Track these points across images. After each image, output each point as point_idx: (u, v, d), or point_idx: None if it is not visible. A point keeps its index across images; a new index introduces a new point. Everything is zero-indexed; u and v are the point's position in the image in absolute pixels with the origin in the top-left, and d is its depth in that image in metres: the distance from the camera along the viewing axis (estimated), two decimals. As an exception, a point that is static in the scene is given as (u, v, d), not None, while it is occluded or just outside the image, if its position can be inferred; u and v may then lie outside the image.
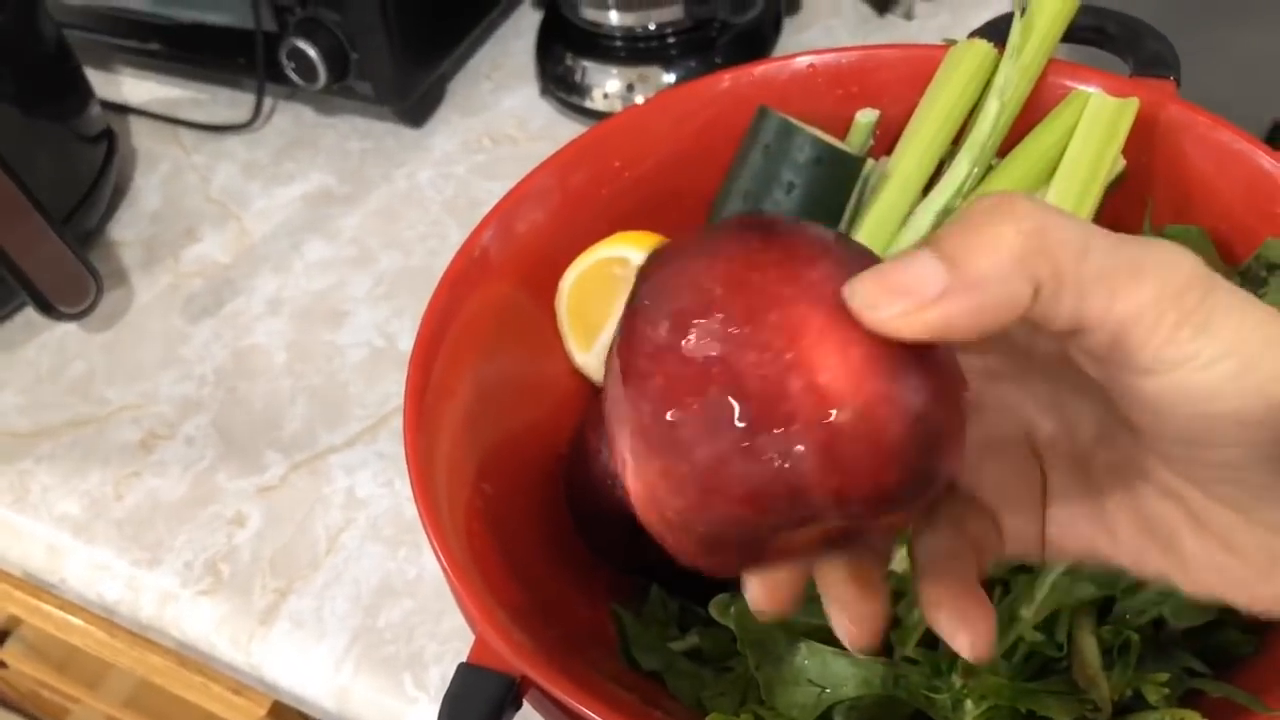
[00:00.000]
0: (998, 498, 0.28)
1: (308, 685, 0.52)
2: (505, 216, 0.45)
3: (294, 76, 0.72)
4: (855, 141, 0.51)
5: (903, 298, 0.22)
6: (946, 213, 0.46)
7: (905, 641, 0.34)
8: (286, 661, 0.52)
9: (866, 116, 0.50)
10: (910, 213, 0.48)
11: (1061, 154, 0.46)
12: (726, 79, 0.51)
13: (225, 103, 0.81)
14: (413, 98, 0.75)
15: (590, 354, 0.49)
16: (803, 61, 0.52)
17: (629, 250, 0.48)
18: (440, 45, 0.76)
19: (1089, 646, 0.32)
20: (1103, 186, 0.45)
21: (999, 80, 0.48)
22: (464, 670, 0.33)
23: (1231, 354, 0.22)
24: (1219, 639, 0.34)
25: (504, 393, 0.45)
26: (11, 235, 0.59)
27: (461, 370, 0.42)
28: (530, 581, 0.39)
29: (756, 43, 0.75)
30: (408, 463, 0.39)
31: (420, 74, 0.75)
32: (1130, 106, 0.45)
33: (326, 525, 0.57)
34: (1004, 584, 0.35)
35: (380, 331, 0.65)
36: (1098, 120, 0.45)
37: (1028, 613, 0.32)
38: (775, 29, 0.76)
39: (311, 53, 0.70)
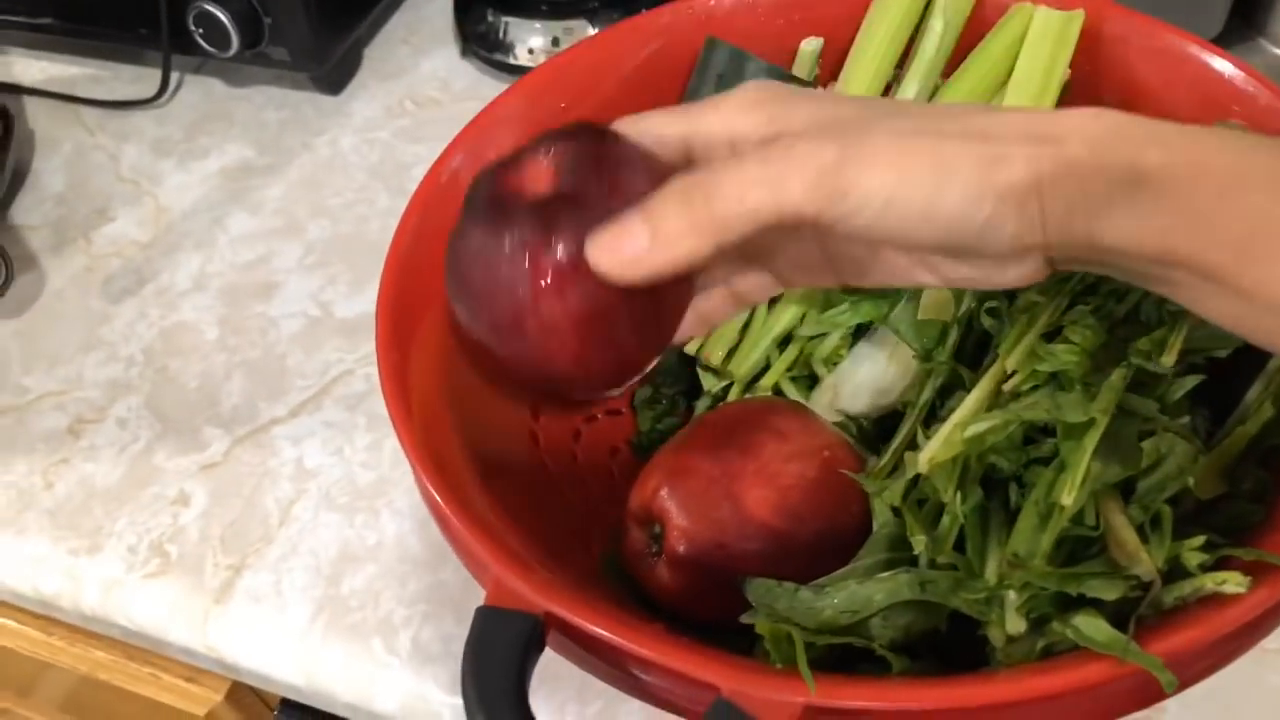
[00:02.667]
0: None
1: (272, 662, 0.50)
2: (472, 143, 0.44)
3: (204, 44, 0.69)
4: (801, 71, 0.50)
5: (618, 254, 0.32)
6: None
7: (940, 549, 0.34)
8: (247, 639, 0.50)
9: (811, 45, 0.50)
10: None
11: (1008, 69, 0.46)
12: (666, 14, 0.51)
13: (129, 79, 0.77)
14: (330, 62, 0.72)
15: None
16: None
17: None
18: (356, 8, 0.74)
19: (1123, 524, 0.33)
20: (1054, 101, 0.45)
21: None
22: (483, 613, 0.31)
23: (878, 199, 0.30)
24: (1232, 510, 0.35)
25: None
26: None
27: (434, 307, 0.40)
28: (528, 522, 0.37)
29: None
30: (391, 414, 0.37)
31: (337, 38, 0.72)
32: (1076, 19, 0.45)
33: (277, 498, 0.54)
34: (1018, 481, 0.35)
35: (315, 300, 0.63)
36: (1045, 34, 0.45)
37: (1068, 499, 0.32)
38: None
39: (222, 17, 0.67)
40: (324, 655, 0.49)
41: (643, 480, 0.40)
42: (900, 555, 0.36)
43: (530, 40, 0.71)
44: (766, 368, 0.47)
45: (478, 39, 0.73)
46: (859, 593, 0.34)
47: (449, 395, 0.40)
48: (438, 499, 0.34)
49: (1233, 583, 0.31)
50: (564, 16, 0.71)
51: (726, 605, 0.37)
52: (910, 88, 0.48)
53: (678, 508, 0.38)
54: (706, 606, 0.38)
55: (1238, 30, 0.62)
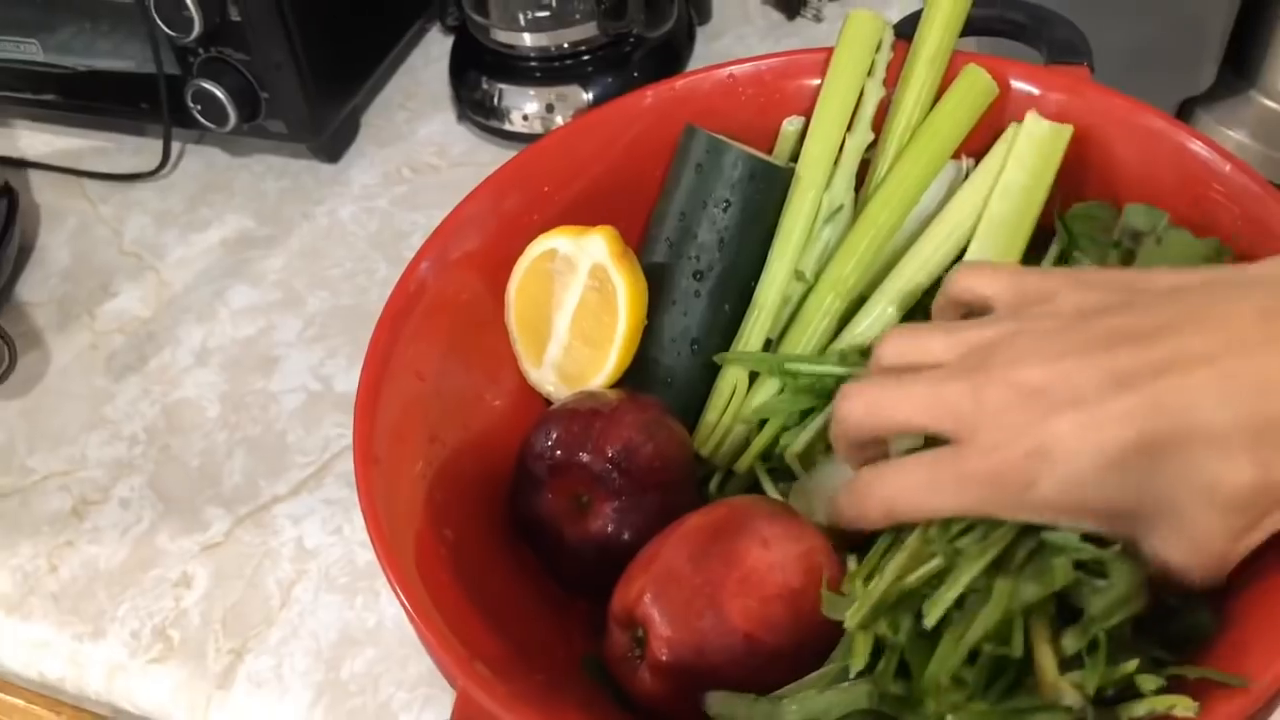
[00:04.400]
0: None
1: (273, 747, 0.50)
2: (441, 245, 0.45)
3: (202, 120, 0.70)
4: (784, 151, 0.51)
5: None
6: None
7: (884, 681, 0.34)
8: (248, 725, 0.51)
9: (793, 125, 0.51)
10: (817, 211, 0.49)
11: (958, 132, 0.47)
12: (649, 95, 0.51)
13: (131, 150, 0.79)
14: (327, 133, 0.73)
15: (542, 368, 0.49)
16: (723, 73, 0.52)
17: (555, 241, 0.48)
18: (351, 77, 0.75)
19: (1043, 655, 0.33)
20: (1038, 211, 0.46)
21: (880, 62, 0.49)
22: None
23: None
24: (1190, 620, 0.35)
25: (458, 424, 0.44)
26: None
27: (410, 413, 0.41)
28: (505, 627, 0.38)
29: (671, 55, 0.75)
30: (366, 522, 0.38)
31: (334, 108, 0.73)
32: (1065, 132, 0.46)
33: (278, 579, 0.55)
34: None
35: (315, 374, 0.64)
36: (1032, 143, 0.46)
37: (975, 631, 0.32)
38: (689, 39, 0.77)
39: (219, 94, 0.68)
40: (324, 741, 0.49)
41: (626, 582, 0.41)
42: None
43: (525, 106, 0.72)
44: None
45: (473, 105, 0.73)
46: (817, 702, 0.34)
47: (431, 489, 0.40)
48: (407, 605, 0.35)
49: (1181, 707, 0.31)
50: (556, 83, 0.71)
51: (703, 713, 0.37)
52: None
53: (660, 615, 0.39)
54: (687, 712, 0.39)
55: (1229, 83, 0.62)
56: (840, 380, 0.44)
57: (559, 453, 0.43)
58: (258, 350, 0.65)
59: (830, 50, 0.51)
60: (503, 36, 0.71)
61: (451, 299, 0.45)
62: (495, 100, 0.72)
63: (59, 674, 0.54)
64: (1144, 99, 0.47)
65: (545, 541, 0.44)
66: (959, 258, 0.46)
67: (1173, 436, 0.30)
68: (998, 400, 0.33)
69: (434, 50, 0.82)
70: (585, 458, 0.43)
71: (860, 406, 0.36)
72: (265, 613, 0.54)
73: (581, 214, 0.48)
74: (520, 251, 0.48)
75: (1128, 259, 0.42)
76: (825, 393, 0.45)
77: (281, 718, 0.50)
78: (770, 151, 0.51)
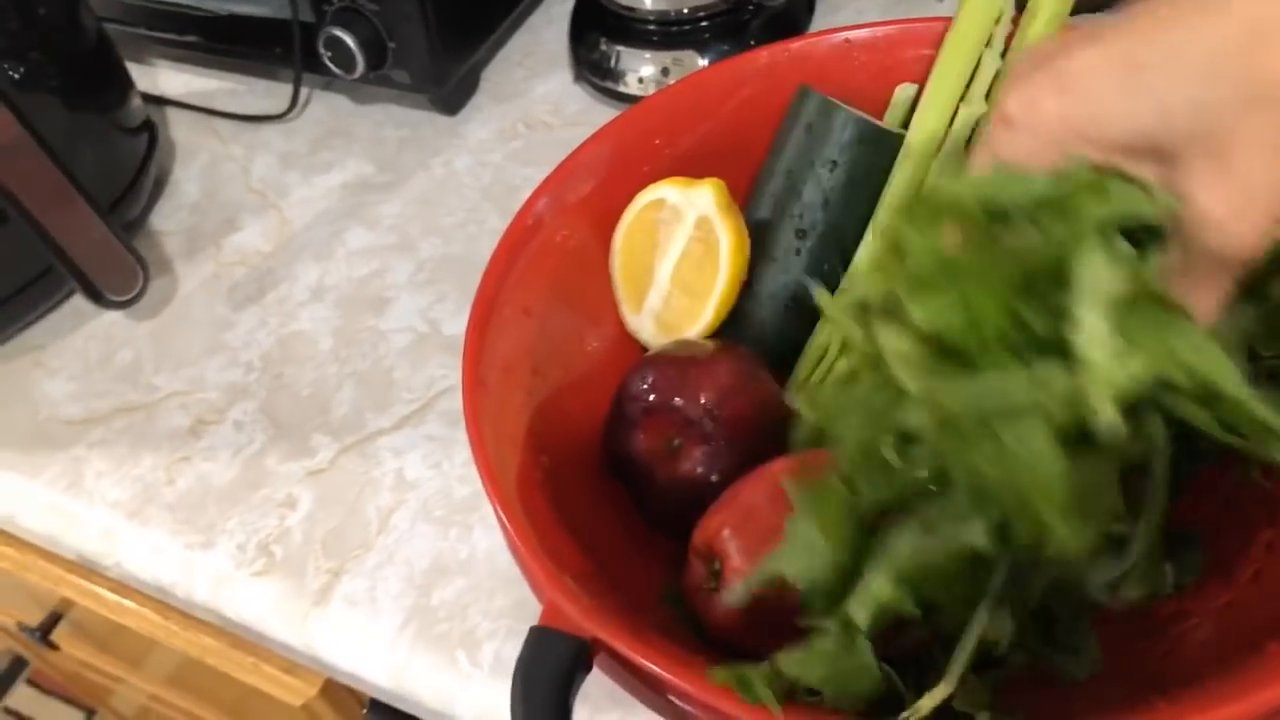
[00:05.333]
0: None
1: (363, 664, 0.53)
2: (557, 186, 0.46)
3: (332, 66, 0.73)
4: (894, 117, 0.51)
5: None
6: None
7: None
8: (342, 641, 0.53)
9: (905, 92, 0.51)
10: (923, 180, 0.49)
11: None
12: (764, 55, 0.52)
13: (261, 93, 0.82)
14: (449, 85, 0.75)
15: (640, 314, 0.50)
16: (839, 37, 0.52)
17: (664, 191, 0.49)
18: (475, 33, 0.77)
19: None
20: None
21: (999, 34, 0.48)
22: (536, 633, 0.33)
23: None
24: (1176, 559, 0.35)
25: (559, 362, 0.46)
26: (61, 224, 0.60)
27: (517, 340, 0.43)
28: (592, 549, 0.39)
29: (789, 25, 0.75)
30: (469, 435, 0.40)
31: (456, 61, 0.75)
32: None
33: (377, 507, 0.57)
34: None
35: (423, 317, 0.66)
36: None
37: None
38: (809, 11, 0.77)
39: (350, 42, 0.71)
40: (411, 662, 0.52)
41: (709, 517, 0.42)
42: None
43: (640, 69, 0.73)
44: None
45: (590, 66, 0.75)
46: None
47: (531, 418, 0.42)
48: (505, 519, 0.36)
49: None
50: (673, 47, 0.72)
51: (776, 644, 0.38)
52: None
53: (737, 550, 0.40)
54: (757, 643, 0.40)
55: None
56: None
57: (654, 396, 0.45)
58: (370, 290, 0.68)
59: (948, 20, 0.51)
60: (625, 0, 0.72)
61: (561, 241, 0.47)
62: (612, 62, 0.73)
63: (171, 579, 0.57)
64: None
65: (636, 479, 0.46)
66: None
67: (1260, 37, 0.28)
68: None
69: (555, 10, 0.84)
70: (679, 402, 0.45)
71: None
72: (364, 537, 0.56)
73: (691, 169, 0.49)
74: (628, 201, 0.49)
75: None
76: None
77: (373, 636, 0.53)
78: (881, 118, 0.51)
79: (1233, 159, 0.29)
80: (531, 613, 0.51)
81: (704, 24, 0.72)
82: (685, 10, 0.72)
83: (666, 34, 0.73)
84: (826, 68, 0.50)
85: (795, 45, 0.51)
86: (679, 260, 0.48)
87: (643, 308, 0.50)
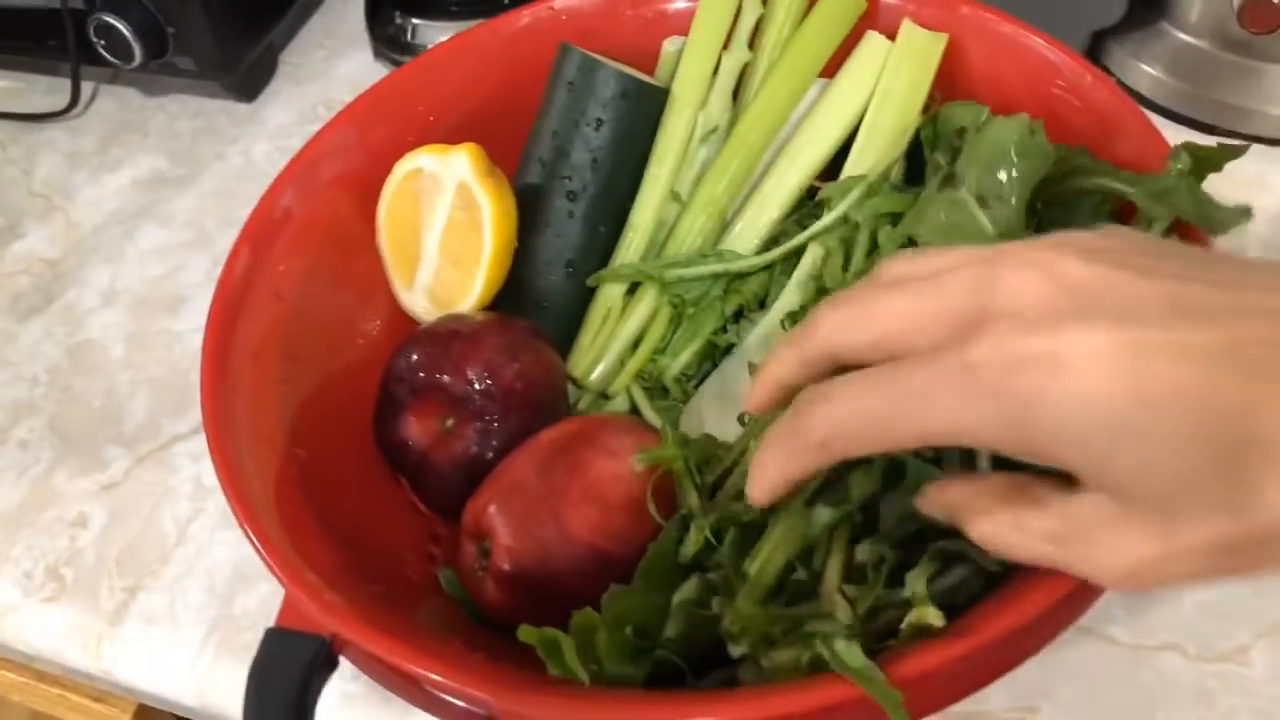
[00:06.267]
0: None
1: (167, 684, 0.50)
2: (307, 166, 0.44)
3: (107, 55, 0.68)
4: (664, 72, 0.50)
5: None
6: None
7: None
8: (140, 661, 0.50)
9: (673, 45, 0.50)
10: (692, 132, 0.48)
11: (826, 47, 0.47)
12: (525, 15, 0.50)
13: (43, 90, 0.77)
14: (239, 71, 0.72)
15: (413, 291, 0.48)
16: None
17: (421, 160, 0.47)
18: (265, 14, 0.73)
19: (830, 568, 0.33)
20: (916, 119, 0.45)
21: None
22: (270, 635, 0.32)
23: None
24: None
25: (324, 347, 0.44)
26: None
27: (268, 333, 0.40)
28: (354, 543, 0.37)
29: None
30: (206, 429, 0.37)
31: (245, 45, 0.72)
32: (940, 40, 0.46)
33: (175, 517, 0.54)
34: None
35: (221, 314, 0.63)
36: (910, 51, 0.45)
37: (777, 555, 0.33)
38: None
39: (123, 28, 0.66)
40: (215, 675, 0.49)
41: (477, 495, 0.41)
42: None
43: (439, 40, 0.70)
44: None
45: (387, 42, 0.72)
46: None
47: (285, 408, 0.40)
48: (239, 515, 0.35)
49: (930, 616, 0.31)
50: (471, 16, 0.70)
51: (550, 622, 0.37)
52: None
53: (504, 525, 0.38)
54: (531, 623, 0.39)
55: (1140, 15, 0.61)
56: (720, 277, 0.44)
57: (420, 375, 0.43)
58: (165, 290, 0.64)
59: None
60: (416, -30, 0.70)
61: (320, 221, 0.44)
62: (409, 35, 0.71)
63: (-46, 614, 0.53)
64: (1054, 32, 0.46)
65: (409, 464, 0.44)
66: (834, 170, 0.46)
67: (1236, 401, 0.23)
68: (1020, 285, 0.25)
69: (355, -12, 0.80)
70: (445, 379, 0.43)
71: (844, 314, 0.28)
72: (161, 550, 0.53)
73: (463, 138, 0.47)
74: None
75: (955, 156, 0.42)
76: (697, 301, 0.45)
77: (174, 654, 0.50)
78: (653, 74, 0.50)
79: (1181, 524, 0.24)
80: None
81: (501, -9, 0.70)
82: (480, -22, 0.70)
83: (463, 3, 0.70)
84: (592, 24, 0.49)
85: (559, 3, 0.49)
86: (444, 231, 0.46)
87: (415, 284, 0.48)
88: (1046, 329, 0.24)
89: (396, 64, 0.72)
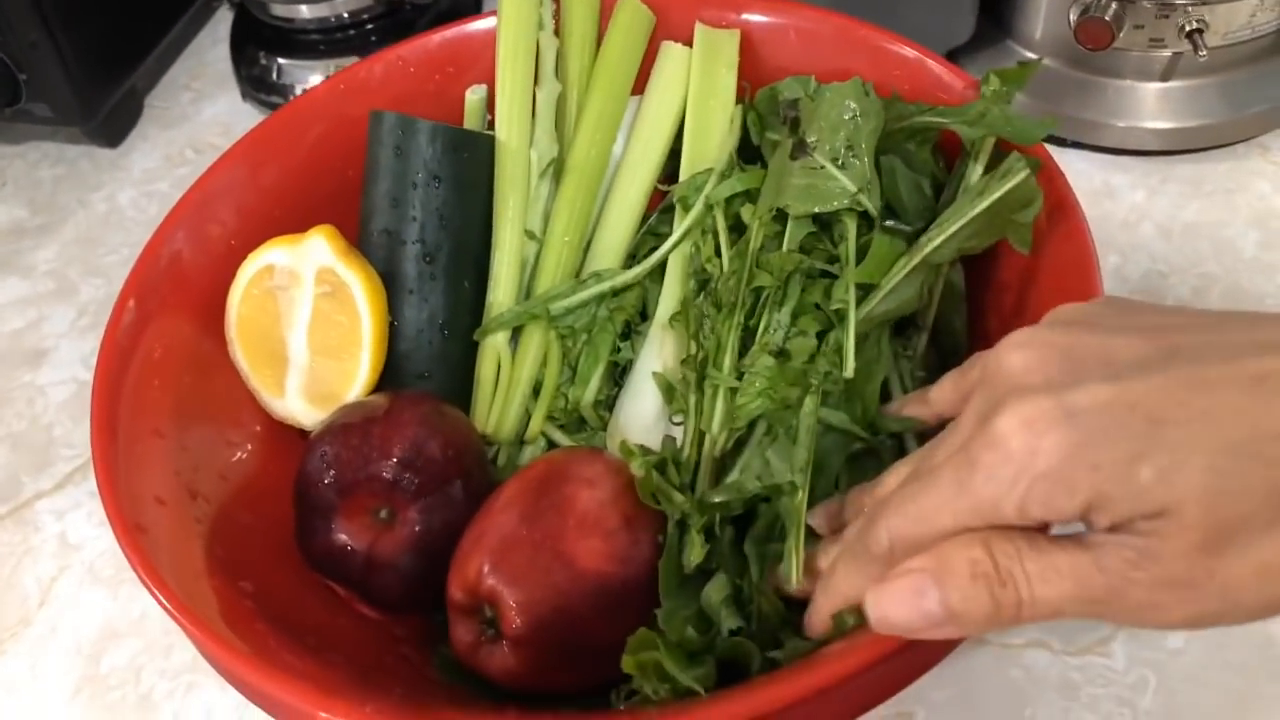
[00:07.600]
0: None
1: (30, 750, 0.48)
2: (133, 303, 0.44)
3: (-43, 104, 0.66)
4: (474, 122, 0.50)
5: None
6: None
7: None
8: (2, 729, 0.48)
9: (476, 94, 0.49)
10: (529, 169, 0.49)
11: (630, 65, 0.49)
12: (320, 91, 0.51)
13: (-105, 143, 0.74)
14: (99, 116, 0.70)
15: (285, 398, 0.46)
16: (391, 55, 0.52)
17: (270, 255, 0.45)
18: (124, 57, 0.72)
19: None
20: (730, 110, 0.47)
21: (546, 14, 0.49)
22: None
23: None
24: None
25: (214, 478, 0.42)
26: None
27: (163, 472, 0.40)
28: (341, 660, 0.37)
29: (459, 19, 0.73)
30: (164, 600, 0.35)
31: (105, 90, 0.70)
32: (734, 36, 0.49)
33: (37, 577, 0.52)
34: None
35: (85, 365, 0.61)
36: (708, 51, 0.48)
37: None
38: (475, 4, 0.75)
39: (-29, 76, 0.64)
40: (82, 739, 0.47)
41: (460, 565, 0.38)
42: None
43: (307, 80, 0.70)
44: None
45: (253, 82, 0.71)
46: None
47: (211, 546, 0.39)
48: (239, 664, 0.33)
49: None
50: (337, 54, 0.69)
51: (579, 670, 0.37)
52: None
53: (508, 583, 0.37)
54: (557, 678, 0.38)
55: (988, 34, 0.64)
56: (604, 297, 0.46)
57: (345, 472, 0.40)
58: (26, 343, 0.62)
59: (492, 14, 0.51)
60: (280, 9, 0.69)
61: (163, 353, 0.43)
62: (275, 76, 0.70)
63: None
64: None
65: (354, 570, 0.41)
66: (670, 175, 0.48)
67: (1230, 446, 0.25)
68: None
69: (221, 29, 0.79)
70: (374, 469, 0.40)
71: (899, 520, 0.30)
72: (22, 613, 0.51)
73: (286, 228, 0.46)
74: (231, 281, 0.45)
75: (795, 126, 0.44)
76: (588, 328, 0.46)
77: (38, 716, 0.48)
78: (461, 124, 0.50)
79: (1228, 557, 0.26)
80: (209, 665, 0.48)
81: (369, 27, 0.70)
82: (345, 15, 0.69)
83: (330, 41, 0.70)
84: (391, 88, 0.49)
85: (350, 74, 0.50)
86: (309, 324, 0.44)
87: (285, 389, 0.45)
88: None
89: (264, 104, 0.71)
